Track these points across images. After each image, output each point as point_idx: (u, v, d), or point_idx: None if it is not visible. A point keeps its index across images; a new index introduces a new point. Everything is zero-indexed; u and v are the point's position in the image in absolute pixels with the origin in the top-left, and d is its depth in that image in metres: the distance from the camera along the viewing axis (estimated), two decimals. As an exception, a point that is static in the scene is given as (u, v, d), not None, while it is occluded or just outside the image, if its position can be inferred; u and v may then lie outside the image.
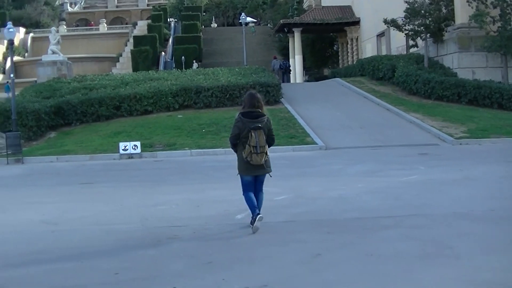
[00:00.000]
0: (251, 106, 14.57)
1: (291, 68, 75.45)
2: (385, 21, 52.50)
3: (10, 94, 45.61)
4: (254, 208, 14.51)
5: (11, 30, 39.65)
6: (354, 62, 69.36)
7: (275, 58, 78.54)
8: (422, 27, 49.75)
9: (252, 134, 14.17)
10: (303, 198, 18.97)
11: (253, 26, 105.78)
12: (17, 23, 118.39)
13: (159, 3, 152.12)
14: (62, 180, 26.90)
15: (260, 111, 14.60)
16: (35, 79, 61.63)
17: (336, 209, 16.96)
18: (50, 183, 25.91)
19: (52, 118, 43.50)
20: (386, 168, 25.60)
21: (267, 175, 14.97)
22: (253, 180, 14.77)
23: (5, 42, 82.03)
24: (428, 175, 22.99)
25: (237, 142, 14.63)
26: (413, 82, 47.50)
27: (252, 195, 14.67)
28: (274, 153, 32.03)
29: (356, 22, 74.45)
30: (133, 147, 34.71)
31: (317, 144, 35.34)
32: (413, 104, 45.02)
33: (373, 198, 18.41)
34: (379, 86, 51.79)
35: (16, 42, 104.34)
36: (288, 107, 45.40)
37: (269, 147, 14.78)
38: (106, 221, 16.46)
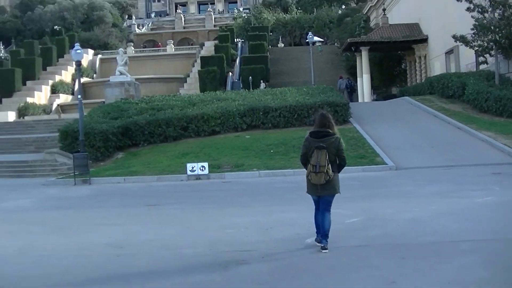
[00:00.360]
0: (320, 126, 14.82)
1: (356, 87, 74.67)
2: (454, 37, 51.42)
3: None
4: (318, 228, 14.71)
5: (78, 51, 39.79)
6: (423, 80, 68.26)
7: (341, 77, 77.91)
8: (492, 43, 48.62)
9: (314, 153, 14.37)
10: (375, 220, 18.37)
11: (319, 45, 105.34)
12: (86, 44, 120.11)
13: (226, 24, 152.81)
14: (129, 201, 26.74)
15: (330, 131, 14.73)
16: (103, 100, 62.02)
17: (410, 233, 16.36)
18: (117, 204, 25.78)
19: (120, 139, 43.62)
20: (460, 189, 24.77)
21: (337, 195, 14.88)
22: (318, 199, 14.86)
23: (74, 63, 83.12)
24: (505, 196, 22.17)
25: (306, 162, 14.69)
26: (484, 100, 46.26)
27: (317, 215, 14.89)
28: (344, 174, 31.26)
29: (424, 40, 73.36)
30: (201, 168, 34.40)
31: (387, 164, 34.46)
32: (484, 122, 43.68)
33: (448, 221, 17.72)
34: (449, 104, 50.66)
35: (85, 64, 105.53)
36: (357, 127, 44.67)
37: (340, 168, 14.89)
38: (173, 245, 16.11)
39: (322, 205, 14.78)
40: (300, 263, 13.43)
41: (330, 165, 14.40)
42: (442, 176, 29.74)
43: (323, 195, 14.66)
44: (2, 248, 16.67)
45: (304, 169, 15.05)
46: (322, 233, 14.64)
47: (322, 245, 14.47)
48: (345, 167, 15.33)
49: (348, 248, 14.62)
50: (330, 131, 14.77)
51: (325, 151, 14.35)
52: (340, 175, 14.59)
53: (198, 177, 34.22)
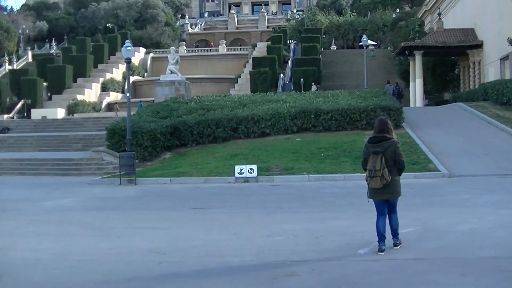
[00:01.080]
0: (379, 131, 15.40)
1: (402, 92, 73.64)
2: (510, 41, 50.22)
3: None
4: (381, 236, 14.62)
5: (129, 48, 39.33)
6: (476, 86, 67.17)
7: (388, 82, 76.85)
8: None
9: (370, 157, 14.92)
10: (431, 231, 17.52)
11: (372, 51, 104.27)
12: (138, 43, 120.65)
13: (279, 25, 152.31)
14: (175, 203, 26.19)
15: (387, 135, 15.26)
16: (153, 98, 61.79)
17: (468, 246, 15.52)
18: (162, 207, 25.20)
19: (168, 139, 43.38)
20: None
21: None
22: (381, 203, 15.10)
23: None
24: None
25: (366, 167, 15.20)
26: (540, 107, 45.19)
27: (380, 220, 14.96)
28: None
29: (479, 45, 72.05)
30: (249, 171, 33.77)
31: (440, 171, 33.53)
32: (540, 129, 42.66)
33: (508, 234, 16.81)
34: (504, 111, 49.46)
35: (136, 62, 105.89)
36: (410, 132, 43.84)
37: (399, 171, 15.33)
38: (218, 252, 15.40)
39: (389, 208, 15.15)
40: (353, 277, 12.66)
41: (386, 169, 14.75)
42: (498, 185, 28.79)
43: (383, 198, 15.00)
44: (38, 252, 16.13)
45: (363, 174, 15.50)
46: (393, 232, 15.13)
47: (394, 242, 15.07)
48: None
49: (404, 261, 13.88)
50: (388, 135, 15.24)
51: (381, 156, 14.78)
52: None
53: (246, 179, 33.61)
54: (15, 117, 79.73)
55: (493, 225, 18.30)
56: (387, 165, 14.84)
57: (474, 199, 24.56)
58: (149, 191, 30.95)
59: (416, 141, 40.51)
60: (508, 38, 49.98)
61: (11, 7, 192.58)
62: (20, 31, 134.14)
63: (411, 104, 74.29)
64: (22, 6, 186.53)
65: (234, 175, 33.97)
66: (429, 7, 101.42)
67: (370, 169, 14.80)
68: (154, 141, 41.55)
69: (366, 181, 15.03)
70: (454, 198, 24.99)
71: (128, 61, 39.96)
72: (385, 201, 15.07)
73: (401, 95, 72.12)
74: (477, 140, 41.28)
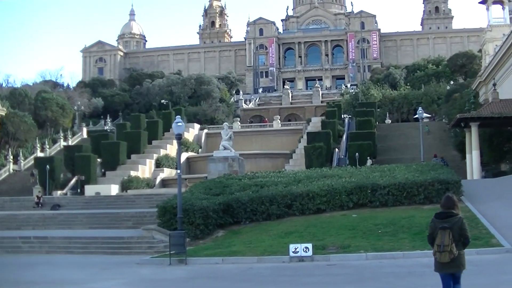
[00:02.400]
0: (444, 207, 16.11)
1: (461, 164, 72.27)
2: None
3: None
4: None
5: (179, 124, 38.67)
6: (535, 157, 65.61)
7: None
8: None
9: (439, 233, 15.62)
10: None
11: (427, 125, 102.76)
12: (192, 119, 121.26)
13: (333, 100, 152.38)
14: (226, 286, 24.82)
15: (454, 211, 15.93)
16: (206, 175, 61.09)
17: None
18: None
19: (221, 216, 42.40)
20: None
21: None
22: (447, 276, 15.81)
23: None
24: None
25: (432, 241, 15.93)
26: None
27: None
28: None
29: (536, 115, 70.71)
30: (304, 249, 32.40)
31: (503, 246, 32.05)
32: None
33: None
34: None
35: (190, 138, 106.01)
36: (469, 205, 42.16)
37: (464, 246, 15.90)
38: None
39: (453, 281, 15.84)
40: None
41: (454, 244, 15.52)
42: None
43: (450, 272, 15.75)
44: None
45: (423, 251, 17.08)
46: None
47: None
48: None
49: None
50: (454, 212, 15.94)
51: (448, 231, 15.56)
52: None
53: (301, 258, 32.24)
54: (68, 193, 79.59)
55: None
56: (454, 240, 15.54)
57: None
58: (200, 272, 30.00)
59: (477, 215, 39.02)
60: None
61: (68, 84, 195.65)
62: (75, 107, 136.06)
63: (468, 177, 72.73)
64: (78, 83, 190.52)
65: (288, 254, 32.62)
66: (483, 78, 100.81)
67: (439, 244, 15.53)
68: (206, 218, 40.62)
69: (434, 255, 15.75)
70: (525, 277, 23.47)
71: (179, 137, 39.26)
72: (451, 274, 15.82)
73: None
74: (542, 213, 39.42)
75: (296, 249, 32.50)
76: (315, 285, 24.39)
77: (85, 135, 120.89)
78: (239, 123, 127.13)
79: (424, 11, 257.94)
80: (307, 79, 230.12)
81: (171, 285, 25.79)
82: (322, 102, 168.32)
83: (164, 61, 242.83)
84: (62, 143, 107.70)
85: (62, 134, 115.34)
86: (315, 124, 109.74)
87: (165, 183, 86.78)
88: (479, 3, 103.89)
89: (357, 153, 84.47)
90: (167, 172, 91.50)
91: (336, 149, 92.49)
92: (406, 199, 43.66)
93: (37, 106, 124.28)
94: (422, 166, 52.80)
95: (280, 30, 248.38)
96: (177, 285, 25.91)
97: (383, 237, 35.46)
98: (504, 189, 49.42)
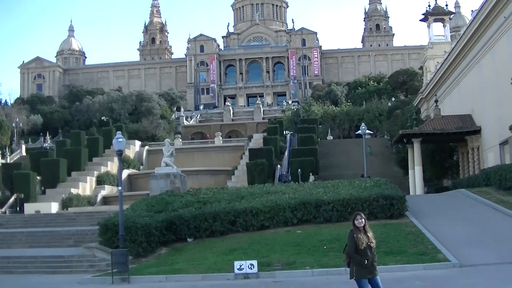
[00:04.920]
0: None
1: (403, 180, 72.76)
2: (511, 128, 49.43)
3: None
4: None
5: (120, 140, 38.02)
6: (476, 172, 66.74)
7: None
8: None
9: None
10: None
11: (369, 146, 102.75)
12: (133, 136, 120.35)
13: (275, 116, 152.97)
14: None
15: None
16: (147, 192, 60.39)
17: None
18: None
19: (164, 234, 41.75)
20: None
21: None
22: None
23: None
24: None
25: None
26: (544, 192, 43.85)
27: None
28: (405, 273, 29.39)
29: (477, 131, 71.48)
30: (249, 266, 32.02)
31: (450, 261, 32.04)
32: (546, 214, 41.25)
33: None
34: (508, 196, 48.24)
35: (131, 155, 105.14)
36: (414, 221, 42.32)
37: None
38: None
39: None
40: None
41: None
42: None
43: None
44: None
45: None
46: None
47: None
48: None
49: None
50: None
51: None
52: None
53: (246, 276, 31.91)
54: (7, 212, 77.92)
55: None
56: None
57: None
58: (143, 291, 29.21)
59: (422, 230, 39.14)
60: (511, 125, 49.22)
61: (5, 100, 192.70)
62: (13, 124, 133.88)
63: (411, 192, 73.50)
64: (16, 99, 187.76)
65: (233, 271, 32.24)
66: (424, 95, 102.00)
67: None
68: (148, 236, 39.91)
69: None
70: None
71: (120, 153, 38.62)
72: None
73: None
74: (485, 227, 40.07)
75: (241, 266, 32.09)
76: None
77: (23, 153, 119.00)
78: (181, 140, 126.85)
79: (365, 28, 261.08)
80: (249, 96, 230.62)
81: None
82: (263, 118, 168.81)
83: (104, 78, 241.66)
84: (0, 160, 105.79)
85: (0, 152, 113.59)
86: (257, 140, 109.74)
87: (106, 200, 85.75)
88: (420, 20, 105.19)
89: (299, 169, 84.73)
90: (108, 190, 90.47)
91: (278, 166, 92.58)
92: (351, 215, 43.34)
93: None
94: (365, 182, 52.84)
95: (221, 46, 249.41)
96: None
97: (329, 253, 35.17)
98: (447, 205, 49.93)
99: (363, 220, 19.04)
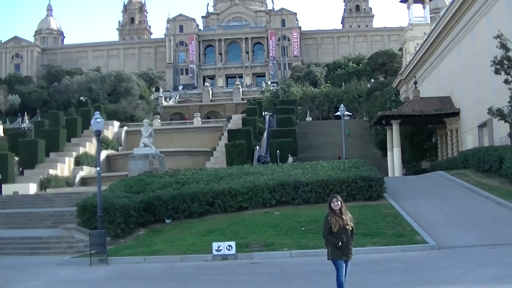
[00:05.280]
0: None
1: (382, 161, 72.91)
2: (490, 111, 49.54)
3: None
4: None
5: (98, 120, 37.83)
6: (454, 154, 67.15)
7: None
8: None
9: None
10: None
11: (348, 128, 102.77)
12: (112, 116, 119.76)
13: (254, 97, 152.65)
14: (149, 287, 24.26)
15: None
16: (126, 173, 60.15)
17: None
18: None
19: (142, 215, 41.58)
20: None
21: None
22: None
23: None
24: None
25: None
26: (523, 174, 43.89)
27: None
28: (383, 254, 29.43)
29: (456, 113, 71.73)
30: (228, 248, 32.03)
31: (428, 243, 32.27)
32: (525, 197, 41.41)
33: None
34: (486, 178, 48.54)
35: (110, 136, 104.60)
36: (393, 203, 42.41)
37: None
38: None
39: None
40: None
41: None
42: (491, 256, 27.83)
43: None
44: None
45: None
46: None
47: None
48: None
49: None
50: None
51: None
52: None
53: (224, 257, 31.92)
54: (-16, 193, 77.56)
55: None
56: None
57: (471, 273, 23.47)
58: (121, 272, 29.30)
59: (400, 212, 39.27)
60: (490, 107, 49.34)
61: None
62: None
63: (389, 174, 73.60)
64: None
65: (211, 253, 32.24)
66: (404, 76, 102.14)
67: None
68: (127, 217, 39.73)
69: None
70: (450, 273, 23.83)
71: (98, 133, 38.48)
72: None
73: None
74: (462, 209, 40.26)
75: (219, 247, 32.10)
76: (239, 284, 24.00)
77: (1, 133, 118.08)
78: (159, 121, 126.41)
79: (344, 9, 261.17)
80: (228, 77, 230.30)
81: (91, 286, 25.02)
82: (242, 99, 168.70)
83: (82, 58, 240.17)
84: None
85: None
86: (236, 121, 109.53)
87: (84, 181, 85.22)
88: (400, 2, 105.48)
89: (278, 151, 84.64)
90: (87, 170, 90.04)
91: (257, 147, 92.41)
92: (329, 196, 43.41)
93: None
94: (344, 163, 52.87)
95: (201, 27, 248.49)
96: (98, 286, 25.16)
97: (307, 234, 35.24)
98: (426, 186, 50.05)
99: (339, 202, 19.18)
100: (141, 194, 44.70)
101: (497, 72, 49.07)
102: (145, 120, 71.64)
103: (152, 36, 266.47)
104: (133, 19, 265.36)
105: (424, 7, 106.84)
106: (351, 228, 18.90)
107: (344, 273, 18.70)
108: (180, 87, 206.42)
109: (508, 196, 41.70)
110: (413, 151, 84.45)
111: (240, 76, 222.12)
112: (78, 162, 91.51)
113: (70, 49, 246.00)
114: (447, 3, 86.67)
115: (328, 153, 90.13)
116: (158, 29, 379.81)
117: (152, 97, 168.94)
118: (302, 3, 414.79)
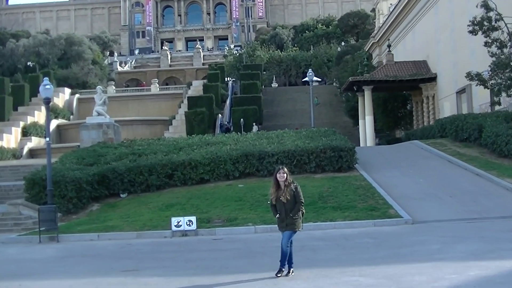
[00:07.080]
0: None
1: (353, 130, 73.15)
2: (469, 75, 49.60)
3: None
4: None
5: (47, 87, 37.35)
6: (431, 123, 67.57)
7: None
8: (510, 81, 46.54)
9: None
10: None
11: (316, 98, 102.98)
12: (63, 83, 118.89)
13: (216, 62, 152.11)
14: (102, 265, 24.17)
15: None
16: (79, 143, 59.75)
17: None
18: (86, 270, 23.08)
19: (95, 188, 41.38)
20: (495, 248, 22.79)
21: None
22: None
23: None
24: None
25: None
26: (504, 143, 43.97)
27: None
28: (355, 229, 29.54)
29: (432, 79, 71.99)
30: (188, 223, 31.98)
31: (402, 217, 32.37)
32: (505, 168, 41.49)
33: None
34: (464, 148, 48.92)
35: (61, 104, 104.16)
36: (364, 174, 42.61)
37: None
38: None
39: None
40: None
41: None
42: (468, 231, 27.98)
43: None
44: None
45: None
46: None
47: None
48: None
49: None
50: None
51: None
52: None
53: (184, 233, 31.91)
54: None
55: (478, 282, 17.28)
56: None
57: (447, 249, 23.49)
58: (73, 250, 29.08)
59: (372, 184, 39.46)
60: (468, 72, 49.42)
61: None
62: None
63: (361, 144, 73.85)
64: None
65: (170, 228, 32.21)
66: (376, 39, 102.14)
67: None
68: (79, 191, 39.51)
69: None
70: (425, 249, 23.83)
71: (48, 101, 38.07)
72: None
73: None
74: (439, 181, 40.44)
75: (178, 222, 32.06)
76: (200, 261, 23.87)
77: None
78: (114, 87, 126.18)
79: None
80: (188, 40, 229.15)
81: (41, 266, 24.74)
82: (203, 64, 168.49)
83: (30, 19, 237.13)
84: None
85: None
86: (197, 88, 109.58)
87: (33, 153, 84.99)
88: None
89: (242, 119, 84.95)
90: (36, 141, 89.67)
91: (219, 115, 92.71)
92: (297, 168, 43.45)
93: None
94: (312, 132, 52.91)
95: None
96: (48, 265, 24.90)
97: (272, 208, 35.37)
98: (400, 157, 50.20)
99: (285, 174, 19.59)
100: (94, 166, 44.41)
101: (473, 32, 49.09)
102: (98, 87, 71.09)
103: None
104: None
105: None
106: (286, 200, 19.45)
107: (287, 243, 19.50)
108: (136, 51, 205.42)
109: (488, 166, 42.05)
110: (387, 119, 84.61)
111: (201, 39, 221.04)
112: (26, 133, 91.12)
113: (15, 10, 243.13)
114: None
115: (295, 121, 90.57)
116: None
117: (106, 62, 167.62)
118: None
